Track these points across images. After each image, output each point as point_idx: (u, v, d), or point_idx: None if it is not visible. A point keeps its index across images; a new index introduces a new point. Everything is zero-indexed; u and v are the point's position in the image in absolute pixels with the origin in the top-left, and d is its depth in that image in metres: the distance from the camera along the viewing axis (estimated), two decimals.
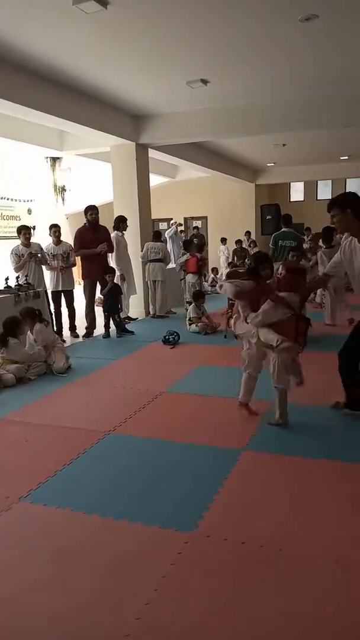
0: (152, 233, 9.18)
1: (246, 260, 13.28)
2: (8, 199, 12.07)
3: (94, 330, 7.56)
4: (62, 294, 7.33)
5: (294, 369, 3.73)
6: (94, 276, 7.49)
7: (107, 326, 7.41)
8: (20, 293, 6.28)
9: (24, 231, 6.94)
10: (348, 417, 3.88)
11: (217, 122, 8.25)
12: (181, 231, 14.75)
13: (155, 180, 13.20)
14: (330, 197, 17.52)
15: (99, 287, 7.53)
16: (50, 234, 7.34)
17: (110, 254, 7.93)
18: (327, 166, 14.85)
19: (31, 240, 7.01)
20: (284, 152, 12.33)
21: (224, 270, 13.27)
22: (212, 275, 13.50)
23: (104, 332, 7.40)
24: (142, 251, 8.82)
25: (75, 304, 7.51)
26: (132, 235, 8.74)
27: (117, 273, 8.06)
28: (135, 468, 3.26)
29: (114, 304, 7.43)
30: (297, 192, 18.26)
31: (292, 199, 18.04)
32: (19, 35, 5.21)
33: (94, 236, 7.39)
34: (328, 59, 6.14)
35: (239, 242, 14.02)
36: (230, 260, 14.07)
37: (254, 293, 3.68)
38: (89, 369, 5.66)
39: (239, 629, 1.91)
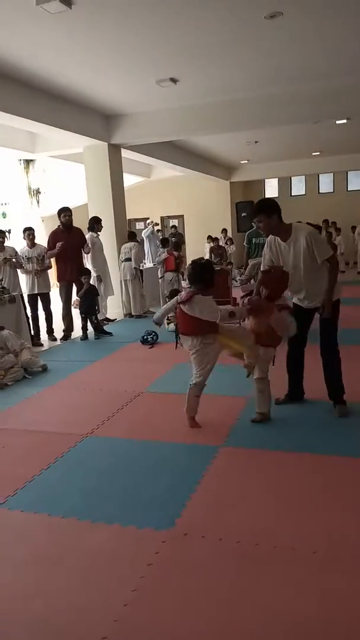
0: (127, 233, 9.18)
1: (223, 257, 13.37)
2: None
3: (72, 333, 7.51)
4: (39, 297, 7.27)
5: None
6: (69, 278, 7.44)
7: (84, 328, 7.37)
8: None
9: None
10: (324, 411, 3.93)
11: (188, 120, 8.28)
12: (158, 230, 14.74)
13: (130, 179, 13.18)
14: (304, 193, 17.85)
15: (75, 289, 7.48)
16: (24, 237, 7.27)
17: (86, 255, 7.89)
18: (299, 162, 15.00)
19: (5, 244, 6.93)
20: (256, 149, 12.41)
21: None
22: None
23: (81, 334, 7.37)
24: None
25: (52, 307, 7.46)
26: (107, 236, 8.71)
27: (94, 274, 8.03)
28: (113, 469, 3.25)
29: (90, 305, 7.40)
30: (271, 189, 18.40)
31: (266, 196, 18.15)
32: None
33: (68, 238, 7.34)
34: (294, 56, 6.20)
35: (215, 239, 14.07)
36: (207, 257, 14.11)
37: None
38: (67, 371, 5.62)
39: (217, 627, 1.92)
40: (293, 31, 5.43)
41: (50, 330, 7.41)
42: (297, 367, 4.09)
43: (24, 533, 2.62)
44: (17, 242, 7.53)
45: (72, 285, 7.49)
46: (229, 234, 15.45)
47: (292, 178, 17.78)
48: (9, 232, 7.32)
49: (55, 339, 7.34)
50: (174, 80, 6.83)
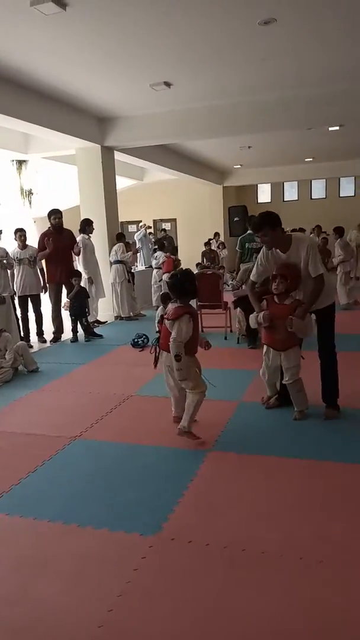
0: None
1: (215, 261, 13.39)
2: None
3: (62, 335, 7.47)
4: (29, 299, 7.22)
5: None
6: (59, 280, 7.40)
7: (74, 330, 7.34)
8: None
9: None
10: (314, 416, 3.94)
11: (182, 124, 8.27)
12: (150, 233, 14.73)
13: (122, 182, 13.15)
14: (296, 199, 17.91)
15: (65, 291, 7.45)
16: (15, 238, 7.22)
17: (77, 257, 7.85)
18: (292, 168, 15.06)
19: None
20: (250, 154, 12.45)
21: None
22: None
23: (71, 336, 7.33)
24: None
25: (42, 309, 7.41)
26: (99, 238, 8.69)
27: (85, 276, 8.00)
28: (101, 473, 3.22)
29: (80, 307, 7.37)
30: (264, 194, 18.46)
31: (259, 201, 18.22)
32: None
33: (59, 240, 7.31)
34: (288, 61, 6.22)
35: (207, 243, 14.08)
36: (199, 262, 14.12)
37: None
38: (57, 374, 5.59)
39: (203, 633, 1.90)
40: (287, 37, 5.45)
41: (40, 332, 7.36)
42: None
43: (8, 537, 2.59)
44: (8, 244, 7.47)
45: (61, 287, 7.45)
46: (222, 238, 15.47)
47: (285, 183, 17.86)
48: (1, 232, 7.26)
49: (45, 341, 7.29)
50: (167, 84, 6.83)
